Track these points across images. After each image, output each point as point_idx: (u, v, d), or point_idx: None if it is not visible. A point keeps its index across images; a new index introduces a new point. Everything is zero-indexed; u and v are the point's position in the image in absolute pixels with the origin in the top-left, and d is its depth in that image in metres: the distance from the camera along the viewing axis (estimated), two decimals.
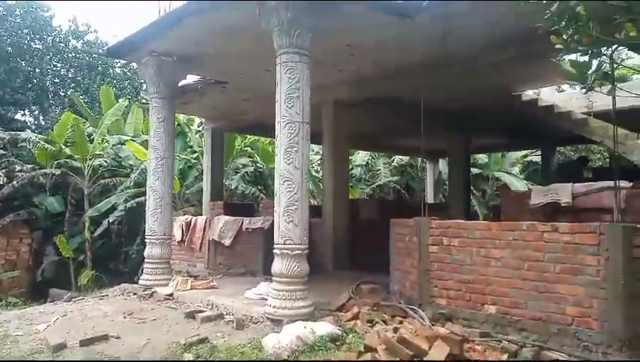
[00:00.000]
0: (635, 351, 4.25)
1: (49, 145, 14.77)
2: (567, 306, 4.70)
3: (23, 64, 20.83)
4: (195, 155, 15.88)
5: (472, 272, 5.43)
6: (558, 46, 3.67)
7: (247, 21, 6.21)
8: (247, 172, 16.65)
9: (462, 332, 4.82)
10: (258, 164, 17.29)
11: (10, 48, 20.04)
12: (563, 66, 8.51)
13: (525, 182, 18.81)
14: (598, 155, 18.80)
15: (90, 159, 14.81)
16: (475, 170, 17.94)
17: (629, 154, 7.88)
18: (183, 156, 15.53)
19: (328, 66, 8.21)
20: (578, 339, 4.56)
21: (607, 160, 16.94)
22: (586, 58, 3.75)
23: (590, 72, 3.76)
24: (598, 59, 3.81)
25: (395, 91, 9.43)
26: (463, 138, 12.91)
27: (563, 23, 3.56)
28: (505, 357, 4.54)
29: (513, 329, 5.01)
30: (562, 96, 12.37)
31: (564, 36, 3.59)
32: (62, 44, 22.42)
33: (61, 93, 21.88)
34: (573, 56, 4.03)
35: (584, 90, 3.95)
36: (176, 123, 12.13)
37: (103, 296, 7.63)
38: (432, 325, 5.23)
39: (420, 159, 19.19)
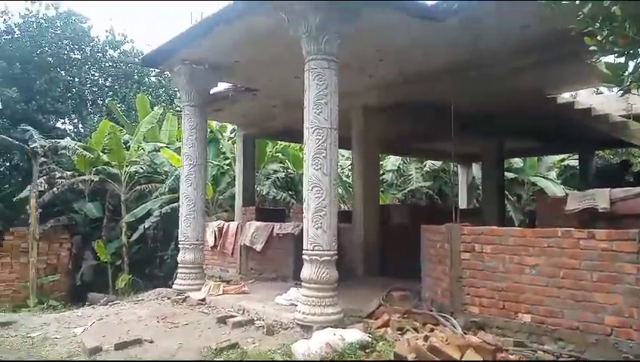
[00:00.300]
0: None
1: (87, 153, 15.22)
2: (605, 315, 4.54)
3: (63, 74, 21.53)
4: (227, 161, 16.08)
5: (505, 280, 5.31)
6: (592, 48, 3.56)
7: (276, 28, 6.28)
8: (278, 177, 16.75)
9: (495, 341, 4.71)
10: (289, 170, 17.38)
11: (51, 59, 20.76)
12: (598, 68, 8.31)
13: (562, 186, 18.29)
14: (639, 159, 18.15)
15: (127, 166, 15.19)
16: (510, 175, 17.57)
17: None
18: (216, 162, 15.76)
19: (357, 71, 8.21)
20: (618, 350, 4.40)
21: None
22: (622, 60, 3.64)
23: (627, 73, 3.64)
24: (635, 60, 3.68)
25: (425, 95, 9.35)
26: (496, 142, 12.68)
27: (597, 24, 3.46)
28: None
29: (549, 339, 4.87)
30: (600, 99, 11.98)
31: (599, 37, 3.48)
32: (99, 54, 23.10)
33: (99, 102, 22.53)
34: (609, 58, 3.92)
35: (620, 93, 3.82)
36: (208, 130, 12.34)
37: (138, 300, 7.80)
38: (464, 333, 5.13)
39: (452, 164, 18.93)
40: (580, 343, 4.66)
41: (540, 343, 4.90)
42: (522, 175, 18.52)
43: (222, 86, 9.50)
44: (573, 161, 18.89)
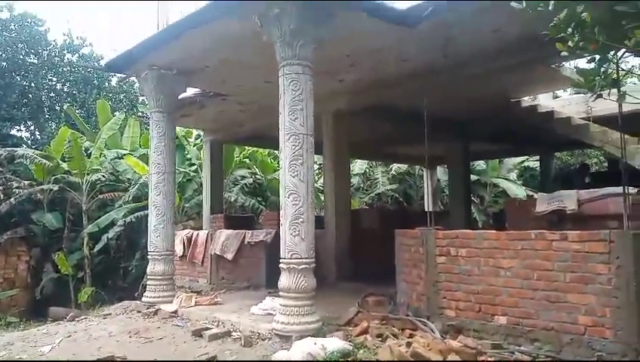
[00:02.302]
0: None
1: (46, 161, 14.66)
2: (579, 315, 4.65)
3: (19, 79, 20.76)
4: (193, 168, 15.81)
5: (480, 283, 5.38)
6: (563, 53, 3.65)
7: (248, 33, 6.19)
8: (246, 183, 16.58)
9: (475, 344, 4.76)
10: (257, 176, 17.23)
11: (5, 63, 19.98)
12: (562, 72, 8.56)
13: (524, 188, 18.83)
14: (595, 160, 18.87)
15: (88, 174, 14.71)
16: (473, 177, 17.94)
17: (630, 158, 7.86)
18: (182, 169, 15.46)
19: (328, 76, 8.19)
20: (592, 349, 4.51)
21: (605, 164, 16.96)
22: (592, 65, 3.74)
23: (597, 79, 3.74)
24: (605, 65, 3.78)
25: (395, 99, 9.43)
26: (462, 145, 12.90)
27: (569, 30, 3.54)
28: None
29: (525, 340, 4.96)
30: (560, 102, 12.40)
31: (570, 43, 3.57)
32: (57, 58, 22.37)
33: (57, 108, 21.80)
34: (577, 63, 4.03)
35: (592, 98, 3.92)
36: None
37: (106, 314, 7.53)
38: (444, 338, 5.16)
39: (417, 167, 19.18)
40: (555, 343, 4.75)
41: (517, 344, 4.98)
42: (485, 177, 18.95)
43: (190, 91, 9.32)
44: (533, 163, 19.49)
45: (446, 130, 11.29)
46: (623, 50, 3.56)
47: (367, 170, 19.78)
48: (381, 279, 7.44)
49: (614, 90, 3.81)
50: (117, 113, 18.42)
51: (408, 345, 4.47)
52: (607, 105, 4.60)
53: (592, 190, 6.55)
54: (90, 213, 14.80)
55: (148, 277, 8.12)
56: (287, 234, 5.62)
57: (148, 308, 7.43)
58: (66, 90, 22.72)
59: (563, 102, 12.12)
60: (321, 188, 13.31)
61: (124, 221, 13.95)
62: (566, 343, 4.69)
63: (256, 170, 17.38)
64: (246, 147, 16.86)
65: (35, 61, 21.67)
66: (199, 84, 9.15)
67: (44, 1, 31.81)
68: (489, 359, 4.66)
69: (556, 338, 4.76)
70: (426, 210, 16.21)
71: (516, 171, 20.38)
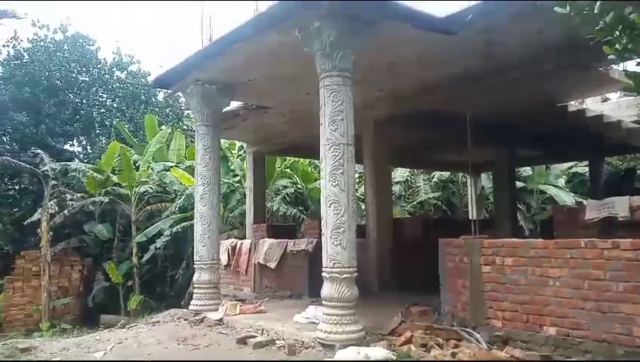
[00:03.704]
0: None
1: (97, 174, 15.31)
2: (633, 327, 4.45)
3: (71, 96, 21.78)
4: (236, 179, 16.13)
5: (528, 292, 5.24)
6: (611, 56, 3.55)
7: (289, 46, 6.31)
8: (287, 193, 16.75)
9: (522, 355, 4.64)
10: (298, 185, 17.39)
11: (59, 82, 21.02)
12: (611, 75, 8.30)
13: (572, 194, 18.21)
14: None
15: (137, 186, 15.24)
16: (519, 184, 17.49)
17: None
18: (226, 180, 15.79)
19: (368, 84, 8.21)
20: None
21: None
22: None
23: None
24: None
25: (436, 105, 9.32)
26: (507, 151, 12.60)
27: (617, 32, 3.45)
28: None
29: (576, 352, 4.79)
30: (609, 105, 11.99)
31: (618, 46, 3.47)
32: (107, 76, 23.37)
33: (107, 123, 22.72)
34: (626, 65, 3.91)
35: None
36: None
37: (154, 322, 7.74)
38: (490, 348, 5.06)
39: (460, 174, 18.87)
40: (608, 355, 4.57)
41: (567, 356, 4.82)
42: (531, 183, 18.43)
43: (233, 104, 9.54)
44: (582, 169, 18.82)
45: (490, 135, 11.07)
46: None
47: (409, 178, 19.59)
48: (424, 289, 7.35)
49: None
50: (164, 127, 19.02)
51: (453, 355, 4.41)
52: None
53: None
54: (138, 223, 15.31)
55: (194, 285, 8.31)
56: (328, 243, 5.66)
57: (194, 316, 7.60)
58: (115, 105, 23.68)
59: (613, 106, 11.72)
60: (363, 197, 13.30)
61: (171, 231, 14.36)
62: (620, 355, 4.51)
63: (298, 179, 17.54)
64: (287, 157, 17.06)
65: (87, 79, 22.71)
66: (242, 97, 9.36)
67: (95, 21, 33.23)
68: None
69: (609, 350, 4.58)
70: (471, 218, 15.90)
71: (564, 177, 19.70)
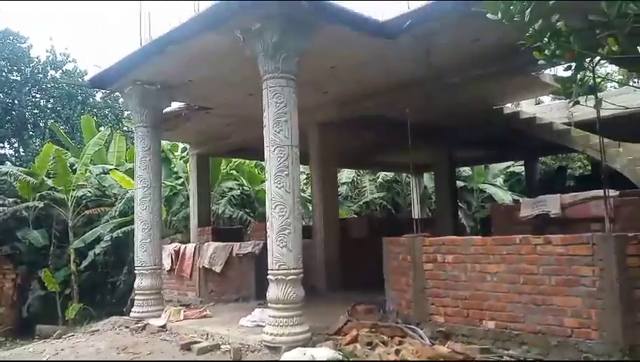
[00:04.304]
0: (636, 359, 4.26)
1: (31, 178, 14.53)
2: (565, 318, 4.71)
3: (1, 96, 20.60)
4: (180, 181, 15.76)
5: (468, 288, 5.42)
6: (540, 61, 3.73)
7: (231, 47, 6.23)
8: (233, 195, 16.53)
9: (463, 349, 4.79)
10: (244, 187, 17.20)
11: None
12: (542, 80, 8.71)
13: (509, 193, 19.02)
14: (578, 163, 19.13)
15: (74, 190, 14.59)
16: (459, 183, 18.08)
17: (610, 162, 8.02)
18: (168, 183, 15.40)
19: (313, 87, 8.26)
20: (579, 351, 4.56)
21: (589, 167, 17.22)
22: (569, 72, 3.82)
23: (575, 86, 3.83)
24: (581, 72, 3.88)
25: (380, 109, 9.51)
26: (447, 152, 13.03)
27: (545, 39, 3.62)
28: None
29: (513, 344, 5.00)
30: (542, 108, 12.60)
31: (547, 52, 3.65)
32: (40, 75, 22.25)
33: (41, 124, 21.65)
34: (556, 70, 4.12)
35: (571, 104, 4.00)
36: None
37: (94, 330, 7.44)
38: (432, 344, 5.19)
39: (404, 175, 19.29)
40: (543, 346, 4.80)
41: (505, 348, 5.02)
42: (471, 183, 19.12)
43: (175, 105, 9.32)
44: (518, 168, 19.70)
45: (430, 137, 11.40)
46: (598, 57, 3.65)
47: (355, 179, 19.84)
48: (370, 287, 7.45)
49: (592, 96, 3.90)
50: (102, 128, 18.34)
51: (397, 352, 4.50)
52: (588, 110, 4.69)
53: (574, 194, 6.66)
54: (76, 229, 14.66)
55: (135, 292, 8.06)
56: (274, 245, 5.63)
57: (136, 323, 7.36)
58: (50, 106, 22.60)
59: (545, 108, 12.32)
60: (310, 198, 13.34)
61: (111, 236, 13.85)
62: (553, 346, 4.74)
63: (244, 181, 17.36)
64: (233, 159, 16.85)
65: (18, 78, 21.54)
66: (183, 98, 9.16)
67: (26, 19, 31.64)
68: None
69: (543, 341, 4.81)
70: (414, 217, 16.29)
71: (502, 176, 20.58)
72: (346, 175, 19.30)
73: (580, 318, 4.60)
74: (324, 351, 5.02)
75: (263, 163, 6.19)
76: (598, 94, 4.03)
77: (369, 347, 5.31)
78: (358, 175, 19.97)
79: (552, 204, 6.53)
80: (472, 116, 10.24)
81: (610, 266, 4.44)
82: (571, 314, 4.66)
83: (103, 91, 9.36)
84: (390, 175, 19.63)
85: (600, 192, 5.52)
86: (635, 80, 7.39)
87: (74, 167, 15.56)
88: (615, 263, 4.41)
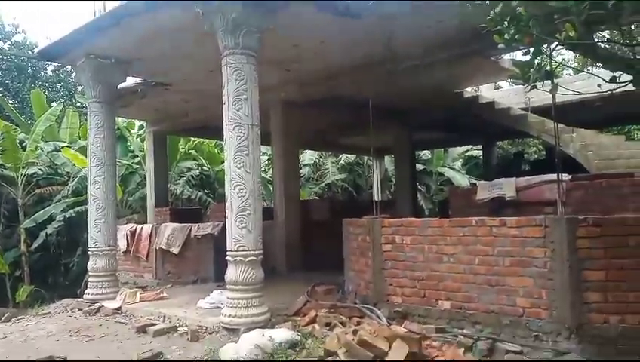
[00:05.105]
0: (582, 337, 4.43)
1: None
2: (517, 298, 4.84)
3: None
4: (136, 160, 15.34)
5: (425, 269, 5.50)
6: (500, 45, 3.76)
7: (188, 22, 6.04)
8: (192, 175, 16.25)
9: (419, 329, 4.88)
10: (204, 167, 16.91)
11: None
12: (501, 64, 8.84)
13: (468, 176, 19.44)
14: (534, 148, 19.71)
15: (24, 168, 13.97)
16: (419, 166, 18.35)
17: (564, 147, 8.27)
18: (124, 161, 14.96)
19: (274, 66, 8.13)
20: (529, 329, 4.71)
21: (543, 153, 17.75)
22: (528, 57, 3.87)
23: (532, 70, 3.88)
24: (539, 57, 3.93)
25: (342, 90, 9.47)
26: (407, 134, 13.14)
27: (505, 23, 3.64)
28: (461, 351, 4.62)
29: (467, 323, 5.12)
30: (500, 93, 12.86)
31: (506, 36, 3.67)
32: None
33: None
34: (515, 55, 4.16)
35: (528, 88, 4.06)
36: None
37: (45, 313, 7.21)
38: (390, 324, 5.26)
39: (366, 157, 19.41)
40: (495, 325, 4.93)
41: (460, 328, 5.14)
42: (430, 166, 19.43)
43: (130, 80, 8.99)
44: (476, 152, 20.14)
45: (391, 119, 11.45)
46: (556, 43, 3.70)
47: (317, 161, 19.85)
48: (331, 269, 7.49)
49: (549, 82, 3.97)
50: (54, 104, 17.56)
51: (355, 332, 4.52)
52: (544, 95, 4.79)
53: (529, 178, 6.85)
54: (26, 208, 14.09)
55: (89, 273, 7.83)
56: (233, 226, 5.55)
57: (90, 306, 7.17)
58: None
59: (503, 93, 12.58)
60: (271, 179, 13.24)
61: (64, 216, 13.38)
62: (505, 325, 4.88)
63: (203, 161, 17.06)
64: (191, 138, 16.50)
65: None
66: (140, 74, 8.86)
67: None
68: (433, 343, 4.80)
69: (496, 320, 4.94)
70: (375, 199, 16.46)
71: (461, 160, 21.01)
72: (308, 157, 19.27)
73: (531, 298, 4.74)
74: (282, 332, 5.01)
75: (222, 143, 6.07)
76: (554, 80, 4.10)
77: (327, 327, 5.34)
78: (320, 157, 19.97)
79: (507, 187, 6.68)
80: (433, 99, 10.34)
81: (561, 248, 4.57)
82: (523, 294, 4.79)
83: (55, 65, 8.91)
84: (352, 157, 19.71)
85: (553, 176, 5.67)
86: (590, 67, 7.59)
87: (24, 144, 14.87)
88: (566, 245, 4.55)
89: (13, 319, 7.18)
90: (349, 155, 19.50)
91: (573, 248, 4.55)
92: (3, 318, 7.37)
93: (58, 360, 4.91)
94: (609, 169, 7.20)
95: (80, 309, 7.17)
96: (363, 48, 7.58)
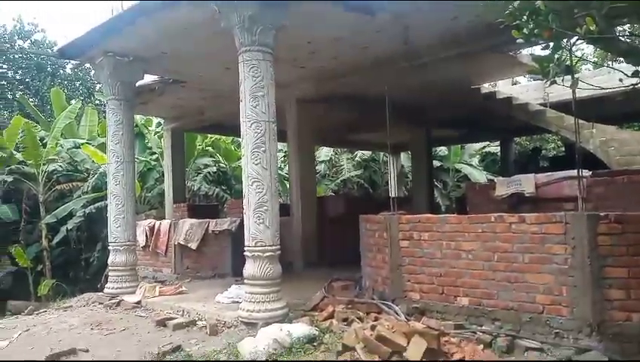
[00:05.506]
0: (604, 335, 4.38)
1: None
2: (537, 295, 4.79)
3: None
4: (154, 157, 15.50)
5: (443, 265, 5.47)
6: (519, 40, 3.71)
7: (205, 19, 6.08)
8: (209, 172, 16.37)
9: (438, 326, 4.86)
10: (220, 164, 17.03)
11: None
12: (519, 59, 8.73)
13: (485, 172, 19.28)
14: (552, 145, 19.47)
15: (44, 164, 14.23)
16: (436, 163, 18.24)
17: (584, 143, 8.16)
18: (142, 158, 15.14)
19: (290, 63, 8.14)
20: (550, 327, 4.66)
21: (562, 149, 17.53)
22: (547, 52, 3.83)
23: (552, 65, 3.83)
24: (559, 52, 3.88)
25: (357, 87, 9.45)
26: (424, 131, 13.08)
27: (524, 17, 3.61)
28: (480, 347, 4.60)
29: (486, 320, 5.09)
30: (518, 88, 12.71)
31: (525, 30, 3.64)
32: (7, 45, 21.42)
33: (9, 96, 20.93)
34: (533, 50, 4.12)
35: (547, 84, 4.01)
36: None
37: (67, 306, 7.34)
38: (408, 320, 5.26)
39: (382, 154, 19.36)
40: (515, 322, 4.89)
41: (479, 324, 5.11)
42: (447, 162, 19.31)
43: (148, 78, 9.08)
44: (494, 148, 19.95)
45: (408, 116, 11.40)
46: (576, 37, 3.65)
47: (333, 157, 19.85)
48: (347, 264, 7.50)
49: (569, 77, 3.92)
50: (73, 101, 17.81)
51: (373, 328, 4.53)
52: (563, 91, 4.72)
53: (548, 173, 6.77)
54: (47, 204, 14.36)
55: (109, 268, 7.94)
56: (251, 222, 5.59)
57: (110, 300, 7.28)
58: (18, 77, 21.81)
59: (522, 89, 12.43)
60: (287, 176, 13.28)
61: (84, 212, 13.61)
62: (525, 322, 4.84)
63: (220, 158, 17.18)
64: (208, 135, 16.63)
65: None
66: (157, 71, 8.93)
67: None
68: (452, 339, 4.78)
69: (516, 317, 4.90)
70: (391, 195, 16.41)
71: (478, 156, 20.83)
72: (324, 153, 19.28)
73: (551, 295, 4.69)
74: (300, 327, 5.03)
75: (239, 139, 6.10)
76: (574, 75, 4.05)
77: (345, 323, 5.36)
78: (336, 153, 19.97)
79: (526, 183, 6.62)
80: (450, 95, 10.25)
81: (581, 244, 4.52)
82: (543, 291, 4.74)
83: (74, 63, 9.01)
84: (368, 154, 19.67)
85: (573, 172, 5.60)
86: (610, 62, 7.47)
87: (44, 141, 15.15)
88: (587, 242, 4.49)
89: (35, 312, 7.33)
90: (364, 152, 19.46)
91: (594, 245, 4.49)
92: (26, 311, 7.54)
93: (80, 351, 5.00)
94: (630, 165, 7.08)
95: (101, 303, 7.28)
96: (379, 44, 7.54)
